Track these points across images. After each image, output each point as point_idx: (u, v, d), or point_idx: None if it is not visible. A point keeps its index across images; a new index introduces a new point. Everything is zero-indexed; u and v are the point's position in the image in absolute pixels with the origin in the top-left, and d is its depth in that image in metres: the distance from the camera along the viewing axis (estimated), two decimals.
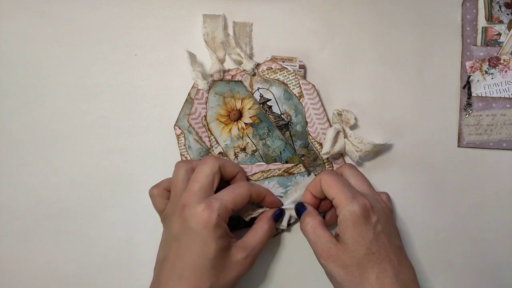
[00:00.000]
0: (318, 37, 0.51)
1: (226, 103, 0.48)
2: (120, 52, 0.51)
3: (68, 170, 0.50)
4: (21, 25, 0.51)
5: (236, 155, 0.48)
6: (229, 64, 0.50)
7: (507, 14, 0.50)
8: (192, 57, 0.48)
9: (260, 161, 0.48)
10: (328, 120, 0.49)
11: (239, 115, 0.48)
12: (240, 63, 0.49)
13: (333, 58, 0.51)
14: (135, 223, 0.49)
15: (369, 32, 0.51)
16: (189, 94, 0.49)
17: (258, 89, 0.49)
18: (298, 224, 0.49)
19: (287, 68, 0.49)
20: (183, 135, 0.49)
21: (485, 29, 0.50)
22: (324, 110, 0.49)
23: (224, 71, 0.49)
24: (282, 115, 0.49)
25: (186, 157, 0.48)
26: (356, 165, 0.48)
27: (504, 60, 0.50)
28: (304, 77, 0.50)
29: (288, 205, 0.47)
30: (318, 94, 0.49)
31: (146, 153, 0.50)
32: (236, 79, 0.49)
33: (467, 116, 0.50)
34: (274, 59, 0.49)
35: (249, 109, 0.48)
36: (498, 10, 0.50)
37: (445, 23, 0.51)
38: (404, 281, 0.40)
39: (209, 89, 0.48)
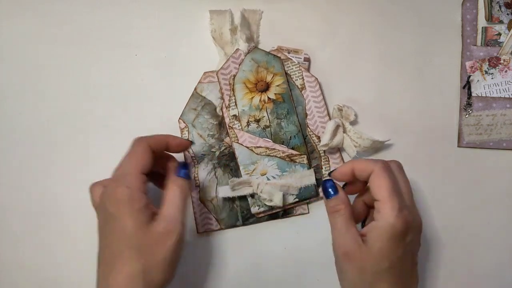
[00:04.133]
0: (320, 35, 0.51)
1: (258, 72, 0.49)
2: (120, 52, 0.51)
3: (68, 170, 0.50)
4: (21, 25, 0.51)
5: (248, 123, 0.49)
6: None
7: (507, 14, 0.50)
8: (244, 19, 0.49)
9: (268, 138, 0.48)
10: (328, 114, 0.49)
11: (266, 87, 0.49)
12: None
13: (335, 56, 0.51)
14: None
15: (370, 32, 0.51)
16: (195, 89, 0.49)
17: None
18: (299, 224, 0.49)
19: (291, 59, 0.49)
20: (187, 129, 0.49)
21: (485, 29, 0.50)
22: (325, 104, 0.49)
23: None
24: None
25: (188, 151, 0.49)
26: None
27: (504, 60, 0.50)
28: (308, 70, 0.50)
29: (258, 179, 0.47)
30: (320, 87, 0.49)
31: None
32: None
33: (467, 116, 0.50)
34: (279, 49, 0.50)
35: (277, 86, 0.49)
36: (498, 10, 0.50)
37: (445, 23, 0.51)
38: None
39: (248, 53, 0.49)
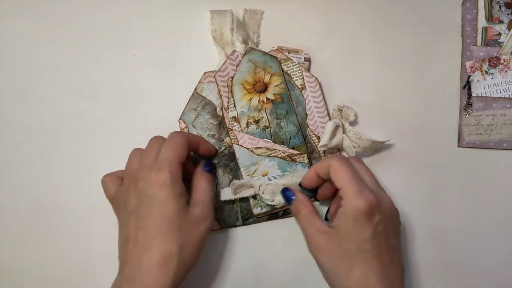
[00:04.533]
0: (320, 35, 0.51)
1: (256, 72, 0.49)
2: (119, 52, 0.51)
3: (68, 170, 0.50)
4: (21, 25, 0.51)
5: (248, 125, 0.49)
6: None
7: (507, 14, 0.50)
8: (239, 21, 0.49)
9: (268, 139, 0.48)
10: (328, 114, 0.49)
11: (264, 88, 0.49)
12: None
13: (335, 56, 0.51)
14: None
15: (370, 32, 0.51)
16: (195, 89, 0.49)
17: None
18: (287, 225, 0.49)
19: (291, 59, 0.49)
20: (187, 129, 0.49)
21: (485, 29, 0.50)
22: (325, 104, 0.49)
23: None
24: None
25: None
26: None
27: (504, 60, 0.50)
28: (308, 70, 0.50)
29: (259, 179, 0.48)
30: (320, 87, 0.49)
31: None
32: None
33: (467, 116, 0.50)
34: (280, 49, 0.50)
35: (276, 86, 0.49)
36: (498, 10, 0.50)
37: (445, 23, 0.51)
38: (390, 281, 0.39)
39: (244, 54, 0.49)
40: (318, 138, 0.49)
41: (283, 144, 0.48)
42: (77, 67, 0.51)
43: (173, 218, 0.39)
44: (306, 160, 0.48)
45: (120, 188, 0.43)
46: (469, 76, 0.50)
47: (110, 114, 0.50)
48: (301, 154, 0.48)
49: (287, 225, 0.49)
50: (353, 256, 0.39)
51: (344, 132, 0.48)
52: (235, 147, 0.48)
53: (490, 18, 0.50)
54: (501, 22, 0.50)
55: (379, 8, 0.51)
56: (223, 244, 0.49)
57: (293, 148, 0.48)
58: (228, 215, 0.49)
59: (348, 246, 0.39)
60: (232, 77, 0.49)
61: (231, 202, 0.48)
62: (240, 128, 0.48)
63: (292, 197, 0.45)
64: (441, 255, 0.49)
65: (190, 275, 0.48)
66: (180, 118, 0.49)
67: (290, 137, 0.49)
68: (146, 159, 0.42)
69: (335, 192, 0.45)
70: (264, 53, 0.49)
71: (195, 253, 0.41)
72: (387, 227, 0.41)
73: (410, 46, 0.51)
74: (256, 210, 0.48)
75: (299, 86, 0.49)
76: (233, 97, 0.49)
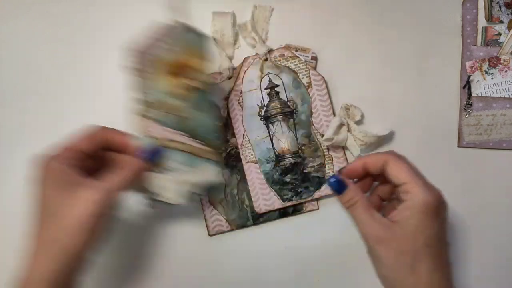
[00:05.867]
0: (326, 35, 0.51)
1: (181, 57, 0.44)
2: (120, 52, 0.51)
3: None
4: (21, 25, 0.51)
5: (163, 113, 0.44)
6: (240, 55, 0.51)
7: (507, 14, 0.50)
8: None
9: (177, 128, 0.44)
10: (333, 113, 0.50)
11: (188, 75, 0.44)
12: (253, 46, 0.50)
13: (340, 56, 0.51)
14: (137, 222, 0.49)
15: (370, 33, 0.51)
16: None
17: (268, 74, 0.50)
18: (298, 223, 0.49)
19: (299, 57, 0.50)
20: None
21: (485, 29, 0.50)
22: (331, 102, 0.49)
23: (233, 68, 0.50)
24: (288, 102, 0.50)
25: None
26: None
27: (504, 60, 0.50)
28: (315, 68, 0.50)
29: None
30: (326, 86, 0.49)
31: None
32: (248, 63, 0.50)
33: (467, 116, 0.50)
34: (287, 47, 0.50)
35: (201, 75, 0.45)
36: (498, 10, 0.50)
37: (445, 23, 0.51)
38: (450, 281, 0.40)
39: (175, 35, 0.44)
40: (323, 136, 0.49)
41: (192, 137, 0.45)
42: (78, 67, 0.51)
43: (49, 204, 0.39)
44: (213, 157, 0.46)
45: None
46: (469, 76, 0.50)
47: (110, 114, 0.50)
48: (208, 151, 0.45)
49: (287, 225, 0.49)
50: (419, 251, 0.38)
51: (349, 130, 0.48)
52: (143, 137, 0.43)
53: (490, 18, 0.50)
54: (501, 22, 0.50)
55: (380, 8, 0.51)
56: (223, 244, 0.49)
57: (207, 144, 0.45)
58: (238, 216, 0.49)
59: (414, 241, 0.38)
60: (156, 58, 0.43)
61: (241, 202, 0.49)
62: (154, 116, 0.44)
63: (343, 188, 0.41)
64: None
65: (190, 275, 0.48)
66: None
67: (202, 130, 0.45)
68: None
69: (368, 188, 0.44)
70: (200, 34, 0.44)
71: (72, 238, 0.38)
72: (446, 225, 0.41)
73: (410, 47, 0.51)
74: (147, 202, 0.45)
75: (305, 84, 0.50)
76: (152, 80, 0.43)
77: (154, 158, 0.43)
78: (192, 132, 0.45)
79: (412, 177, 0.39)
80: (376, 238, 0.39)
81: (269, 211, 0.49)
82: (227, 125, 0.49)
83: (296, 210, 0.49)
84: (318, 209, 0.49)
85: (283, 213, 0.49)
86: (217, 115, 0.49)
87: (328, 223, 0.49)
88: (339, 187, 0.41)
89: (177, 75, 0.44)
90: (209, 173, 0.45)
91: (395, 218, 0.39)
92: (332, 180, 0.41)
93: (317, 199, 0.49)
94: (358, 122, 0.49)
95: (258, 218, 0.49)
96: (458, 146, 0.50)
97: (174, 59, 0.44)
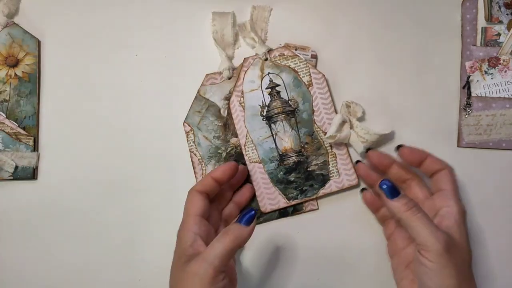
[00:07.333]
0: (325, 33, 0.51)
1: (12, 47, 0.50)
2: (120, 52, 0.51)
3: (69, 170, 0.50)
4: (21, 25, 0.51)
5: None
6: (240, 55, 0.51)
7: (507, 14, 0.50)
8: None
9: (3, 112, 0.50)
10: (335, 111, 0.50)
11: (15, 63, 0.50)
12: (253, 47, 0.50)
13: (340, 54, 0.51)
14: (138, 223, 0.50)
15: (369, 33, 0.51)
16: (198, 91, 0.50)
17: (268, 74, 0.50)
18: (298, 223, 0.49)
19: (299, 56, 0.50)
20: (193, 132, 0.49)
21: (484, 29, 0.50)
22: (332, 100, 0.50)
23: (233, 69, 0.50)
24: (289, 102, 0.50)
25: (195, 154, 0.49)
26: (359, 157, 0.49)
27: (503, 60, 0.50)
28: (315, 67, 0.50)
29: None
30: (327, 84, 0.50)
31: (147, 153, 0.50)
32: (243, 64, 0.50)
33: (466, 116, 0.50)
34: (287, 46, 0.50)
35: (27, 65, 0.50)
36: (497, 10, 0.50)
37: (445, 23, 0.51)
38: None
39: (5, 27, 0.50)
40: (325, 134, 0.49)
41: (15, 122, 0.50)
42: (78, 67, 0.51)
43: (172, 274, 0.41)
44: (31, 143, 0.49)
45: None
46: (469, 76, 0.50)
47: (110, 114, 0.50)
48: (28, 136, 0.49)
49: (287, 224, 0.49)
50: (469, 263, 0.41)
51: (351, 127, 0.48)
52: None
53: (489, 18, 0.50)
54: (500, 22, 0.50)
55: (379, 8, 0.51)
56: None
57: (24, 129, 0.49)
58: None
59: (462, 247, 0.41)
60: None
61: None
62: None
63: (398, 193, 0.41)
64: None
65: None
66: (184, 121, 0.49)
67: (25, 116, 0.50)
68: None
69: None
70: (26, 31, 0.50)
71: None
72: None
73: (410, 46, 0.51)
74: None
75: (306, 83, 0.50)
76: None
77: (248, 221, 0.41)
78: (11, 114, 0.50)
79: (455, 189, 0.44)
80: (445, 244, 0.38)
81: (274, 210, 0.49)
82: (227, 125, 0.49)
83: (296, 210, 0.49)
84: (318, 209, 0.49)
85: (283, 213, 0.49)
86: (218, 115, 0.49)
87: (328, 223, 0.49)
88: (395, 191, 0.41)
89: (4, 63, 0.50)
90: (21, 155, 0.49)
91: (442, 226, 0.41)
92: (389, 183, 0.41)
93: (319, 198, 0.49)
94: (360, 119, 0.49)
95: (258, 218, 0.49)
96: (458, 146, 0.50)
97: (3, 50, 0.50)
